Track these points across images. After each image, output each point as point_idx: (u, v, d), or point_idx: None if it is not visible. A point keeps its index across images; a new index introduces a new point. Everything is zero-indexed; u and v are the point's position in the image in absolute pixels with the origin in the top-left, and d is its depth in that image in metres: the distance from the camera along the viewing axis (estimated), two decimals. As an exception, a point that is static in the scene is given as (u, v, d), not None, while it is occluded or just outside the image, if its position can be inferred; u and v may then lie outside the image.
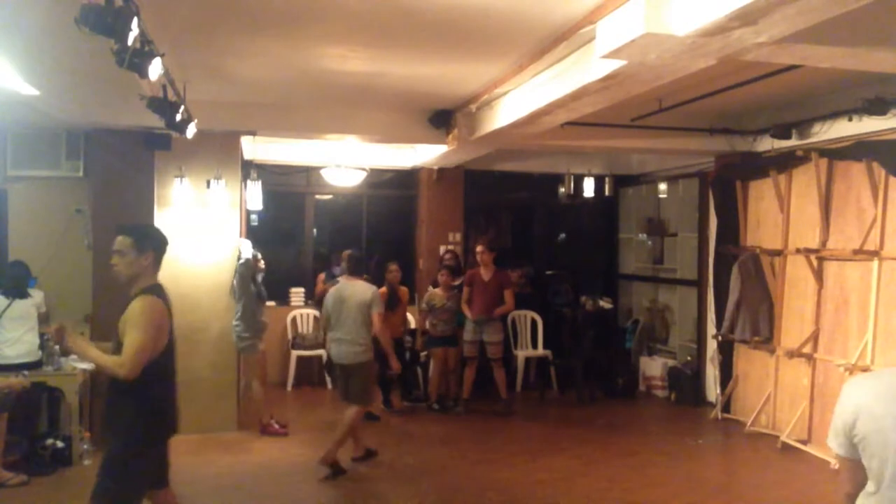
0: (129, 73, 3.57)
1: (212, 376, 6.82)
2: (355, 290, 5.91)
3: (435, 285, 8.11)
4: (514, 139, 6.91)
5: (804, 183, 6.71)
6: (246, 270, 6.61)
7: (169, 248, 7.17)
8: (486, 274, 7.83)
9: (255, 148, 8.04)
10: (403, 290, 8.02)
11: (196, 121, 5.56)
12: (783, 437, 6.54)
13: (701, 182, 8.36)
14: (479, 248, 8.05)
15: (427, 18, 4.24)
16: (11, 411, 5.57)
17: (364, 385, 5.91)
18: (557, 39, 4.45)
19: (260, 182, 8.29)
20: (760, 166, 7.19)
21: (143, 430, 3.32)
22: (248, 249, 6.71)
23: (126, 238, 3.40)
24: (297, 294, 9.31)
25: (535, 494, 5.39)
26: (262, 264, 6.93)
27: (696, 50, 3.63)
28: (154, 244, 3.48)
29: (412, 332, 8.49)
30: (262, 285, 6.85)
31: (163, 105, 4.80)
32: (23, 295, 5.81)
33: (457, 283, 8.05)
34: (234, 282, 6.69)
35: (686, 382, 8.27)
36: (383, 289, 7.79)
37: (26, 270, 6.01)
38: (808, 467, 6.05)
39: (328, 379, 8.76)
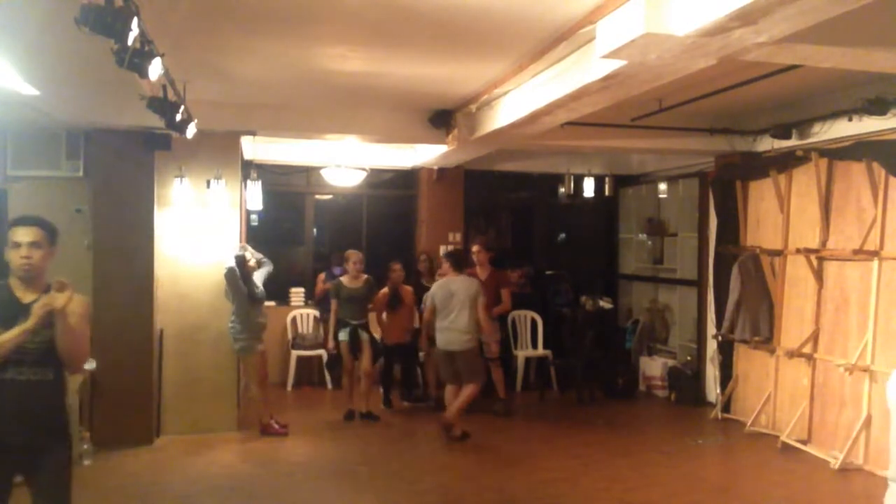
0: (129, 73, 3.58)
1: (212, 376, 6.82)
2: (462, 284, 6.73)
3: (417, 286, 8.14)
4: (514, 139, 6.91)
5: (804, 183, 6.71)
6: (231, 277, 6.54)
7: (169, 248, 7.20)
8: (482, 274, 7.83)
9: (255, 148, 8.03)
10: (407, 289, 8.01)
11: (196, 121, 5.56)
12: (783, 437, 6.54)
13: (701, 182, 8.36)
14: (475, 248, 8.05)
15: (427, 18, 4.24)
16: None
17: (473, 366, 6.72)
18: (557, 39, 4.45)
19: (260, 182, 8.28)
20: (760, 166, 7.19)
21: None
22: (229, 259, 6.60)
23: (40, 230, 3.15)
24: (297, 294, 9.31)
25: (535, 494, 5.39)
26: (252, 263, 6.84)
27: (696, 50, 3.63)
28: (57, 238, 3.29)
29: (415, 332, 8.49)
30: (256, 285, 6.74)
31: (163, 105, 4.80)
32: (23, 295, 5.80)
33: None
34: (225, 287, 6.66)
35: (686, 382, 8.27)
36: (385, 289, 7.81)
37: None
38: (808, 467, 6.05)
39: (328, 379, 8.77)
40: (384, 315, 7.88)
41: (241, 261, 6.61)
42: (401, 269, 7.97)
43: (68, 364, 3.23)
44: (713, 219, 7.94)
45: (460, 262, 7.00)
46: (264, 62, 5.39)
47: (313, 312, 9.08)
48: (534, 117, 5.67)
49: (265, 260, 7.01)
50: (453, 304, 6.63)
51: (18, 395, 3.12)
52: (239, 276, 6.54)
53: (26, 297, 3.14)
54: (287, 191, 9.64)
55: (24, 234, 3.12)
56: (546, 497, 5.34)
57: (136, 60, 3.43)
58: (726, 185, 7.64)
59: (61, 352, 3.14)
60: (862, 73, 4.90)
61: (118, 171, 6.57)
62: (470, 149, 7.58)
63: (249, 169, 8.23)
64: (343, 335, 7.31)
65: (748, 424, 7.07)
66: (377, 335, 7.71)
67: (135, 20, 3.11)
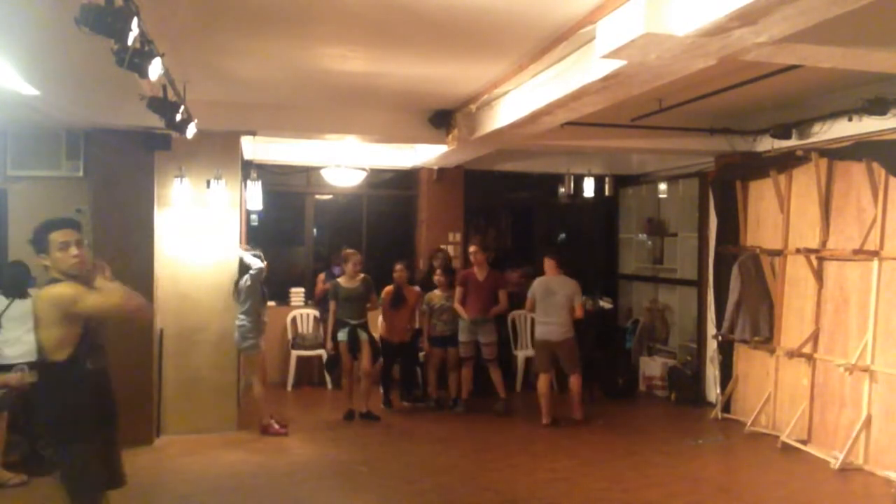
0: (129, 73, 3.57)
1: (212, 376, 6.82)
2: (561, 283, 7.36)
3: (423, 286, 8.14)
4: (514, 139, 6.91)
5: (804, 183, 6.71)
6: (258, 278, 6.67)
7: (169, 248, 7.21)
8: (480, 274, 7.83)
9: (255, 148, 8.04)
10: (410, 290, 8.00)
11: (196, 121, 5.56)
12: (783, 437, 6.54)
13: (701, 182, 8.36)
14: (472, 249, 8.05)
15: (427, 18, 4.24)
16: (11, 411, 5.57)
17: (572, 356, 7.39)
18: (557, 39, 4.45)
19: (260, 182, 8.28)
20: (760, 166, 7.19)
21: None
22: (255, 261, 6.73)
23: (78, 231, 3.42)
24: (297, 294, 9.31)
25: (535, 494, 5.39)
26: (265, 265, 6.96)
27: (696, 50, 3.63)
28: None
29: (417, 332, 8.50)
30: (264, 286, 6.88)
31: (163, 105, 4.80)
32: (23, 295, 5.80)
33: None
34: (241, 286, 6.69)
35: (686, 382, 8.27)
36: (389, 287, 7.82)
37: (26, 270, 5.99)
38: (808, 467, 6.05)
39: (328, 379, 8.77)
40: (384, 314, 7.89)
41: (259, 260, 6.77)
42: (403, 268, 7.96)
43: (142, 320, 3.70)
44: (713, 219, 7.94)
45: (563, 263, 7.57)
46: (264, 62, 5.39)
47: (313, 312, 9.08)
48: (534, 117, 5.67)
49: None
50: (553, 301, 7.28)
51: (99, 380, 3.44)
52: (262, 277, 6.73)
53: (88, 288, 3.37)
54: (287, 191, 9.64)
55: (69, 235, 3.34)
56: (546, 497, 5.34)
57: (136, 60, 3.43)
58: (726, 185, 7.64)
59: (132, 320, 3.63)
60: (862, 73, 4.90)
61: (118, 171, 6.57)
62: (470, 149, 7.58)
63: (249, 169, 8.23)
64: (342, 335, 7.31)
65: (748, 424, 7.07)
66: (376, 334, 7.72)
67: (135, 20, 3.11)
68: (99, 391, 3.44)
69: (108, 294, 3.33)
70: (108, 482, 3.47)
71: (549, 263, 7.49)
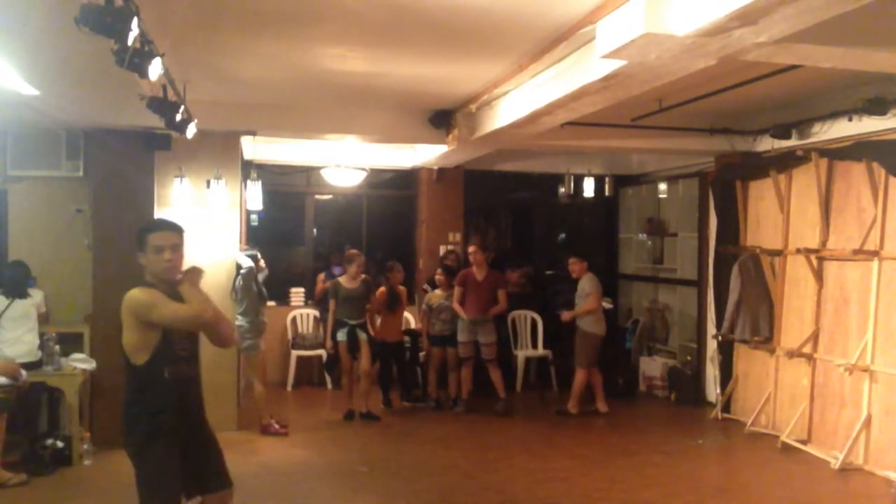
0: (129, 73, 3.57)
1: (212, 376, 6.76)
2: (585, 281, 7.69)
3: (432, 285, 8.11)
4: (514, 139, 6.91)
5: (804, 183, 6.71)
6: (249, 277, 6.66)
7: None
8: (479, 274, 7.82)
9: (255, 148, 8.04)
10: (402, 290, 8.01)
11: (196, 121, 5.56)
12: (783, 437, 6.54)
13: (701, 182, 8.36)
14: (471, 249, 8.04)
15: (427, 18, 4.24)
16: (11, 411, 5.57)
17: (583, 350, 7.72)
18: (557, 39, 4.45)
19: (260, 182, 8.28)
20: (760, 166, 7.19)
21: None
22: (246, 260, 6.72)
23: (178, 234, 3.34)
24: (297, 294, 9.31)
25: (535, 494, 5.39)
26: (262, 264, 6.97)
27: (696, 50, 3.63)
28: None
29: (411, 333, 8.49)
30: (262, 285, 6.87)
31: (163, 105, 4.80)
32: (23, 295, 5.81)
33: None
34: (236, 286, 6.70)
35: (686, 382, 8.27)
36: (382, 289, 7.80)
37: (26, 270, 6.01)
38: (808, 467, 6.05)
39: (328, 379, 8.77)
40: (378, 315, 7.85)
41: (254, 260, 6.73)
42: (399, 269, 7.96)
43: (223, 342, 3.63)
44: (713, 219, 7.94)
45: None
46: (264, 62, 5.39)
47: (313, 312, 9.08)
48: (534, 117, 5.67)
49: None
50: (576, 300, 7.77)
51: (180, 391, 3.37)
52: (254, 276, 6.67)
53: (172, 295, 3.33)
54: (287, 191, 9.64)
55: (165, 239, 3.27)
56: (546, 497, 5.34)
57: (136, 60, 3.43)
58: (726, 185, 7.64)
59: (213, 336, 3.57)
60: (862, 73, 4.90)
61: (118, 171, 6.57)
62: (470, 149, 7.58)
63: (249, 169, 8.23)
64: (341, 335, 7.31)
65: (748, 424, 7.07)
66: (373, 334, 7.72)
67: (135, 20, 3.11)
68: (180, 401, 3.34)
69: (185, 304, 3.25)
70: (198, 488, 3.42)
71: (581, 265, 7.85)
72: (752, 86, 5.70)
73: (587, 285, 7.72)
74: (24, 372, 5.55)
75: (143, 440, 3.26)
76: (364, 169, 9.03)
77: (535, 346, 8.95)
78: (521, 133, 6.38)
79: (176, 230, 3.34)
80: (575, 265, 7.88)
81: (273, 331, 8.27)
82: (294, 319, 9.11)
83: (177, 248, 3.30)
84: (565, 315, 7.84)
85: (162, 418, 3.27)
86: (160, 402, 3.28)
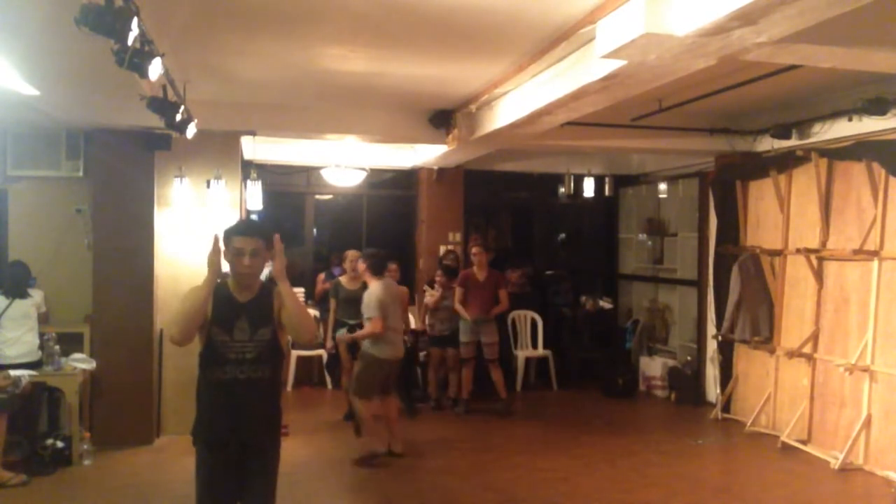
0: (129, 73, 3.57)
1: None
2: None
3: (432, 286, 8.11)
4: (514, 139, 6.90)
5: (804, 183, 6.71)
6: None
7: (169, 248, 7.19)
8: (480, 274, 7.83)
9: (255, 148, 8.03)
10: (402, 289, 7.99)
11: (196, 121, 5.55)
12: (783, 437, 6.54)
13: (701, 182, 8.36)
14: (473, 250, 8.04)
15: (427, 18, 4.24)
16: (12, 411, 5.58)
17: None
18: (557, 39, 4.45)
19: (260, 182, 8.27)
20: (760, 166, 7.19)
21: None
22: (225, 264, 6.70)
23: (260, 239, 3.34)
24: (297, 294, 9.27)
25: (535, 494, 5.39)
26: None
27: (696, 50, 3.63)
28: (272, 243, 3.43)
29: (411, 333, 8.48)
30: None
31: (163, 105, 4.80)
32: (23, 295, 5.81)
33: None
34: None
35: (686, 382, 8.27)
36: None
37: (26, 270, 6.01)
38: (808, 467, 6.05)
39: (328, 379, 8.76)
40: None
41: None
42: (397, 269, 7.93)
43: (301, 335, 3.49)
44: (713, 219, 7.94)
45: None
46: (264, 62, 5.38)
47: (313, 312, 9.06)
48: (534, 117, 5.67)
49: None
50: None
51: (238, 393, 3.24)
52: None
53: (242, 296, 3.37)
54: (287, 191, 9.64)
55: (245, 243, 3.29)
56: (546, 497, 5.34)
57: (136, 60, 3.42)
58: (726, 185, 7.64)
59: (293, 326, 3.42)
60: (862, 73, 4.90)
61: (118, 171, 6.57)
62: (470, 149, 7.58)
63: (249, 169, 8.22)
64: (340, 335, 7.30)
65: (748, 424, 7.07)
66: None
67: (135, 20, 3.11)
68: (225, 405, 3.23)
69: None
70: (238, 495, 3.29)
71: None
72: (752, 86, 5.70)
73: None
74: (25, 374, 5.56)
75: (196, 440, 3.29)
76: (364, 169, 9.03)
77: (535, 346, 8.95)
78: (520, 133, 6.37)
79: (258, 235, 3.33)
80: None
81: (273, 331, 8.25)
82: (294, 319, 9.08)
83: (257, 253, 3.30)
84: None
85: (210, 421, 3.26)
86: (206, 403, 3.28)
